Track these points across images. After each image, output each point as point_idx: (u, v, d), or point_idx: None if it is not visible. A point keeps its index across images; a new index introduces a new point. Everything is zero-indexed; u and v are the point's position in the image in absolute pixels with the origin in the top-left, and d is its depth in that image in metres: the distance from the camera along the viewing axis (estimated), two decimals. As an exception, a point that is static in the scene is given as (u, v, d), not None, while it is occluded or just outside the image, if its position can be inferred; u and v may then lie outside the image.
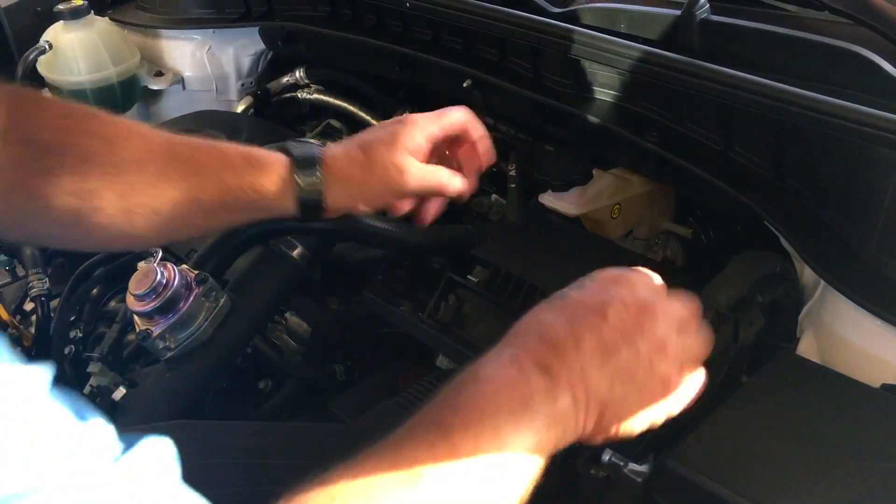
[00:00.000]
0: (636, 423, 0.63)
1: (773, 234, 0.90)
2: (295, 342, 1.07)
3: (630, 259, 1.04)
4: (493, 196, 1.32)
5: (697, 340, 0.65)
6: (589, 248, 1.05)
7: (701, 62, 0.91)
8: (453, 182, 0.86)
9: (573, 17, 1.05)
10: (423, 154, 0.85)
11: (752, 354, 0.85)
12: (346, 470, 0.52)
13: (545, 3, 1.07)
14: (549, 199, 1.08)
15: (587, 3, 1.07)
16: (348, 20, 1.41)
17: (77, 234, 0.77)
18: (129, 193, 0.77)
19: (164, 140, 0.81)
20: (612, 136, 1.04)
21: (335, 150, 0.83)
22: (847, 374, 0.79)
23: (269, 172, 0.80)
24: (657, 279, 0.67)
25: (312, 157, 0.81)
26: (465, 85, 1.23)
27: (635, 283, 0.65)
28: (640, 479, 0.74)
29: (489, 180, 1.30)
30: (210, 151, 0.81)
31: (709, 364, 0.66)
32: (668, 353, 0.62)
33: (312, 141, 0.86)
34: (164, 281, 0.90)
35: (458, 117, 0.89)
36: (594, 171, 1.07)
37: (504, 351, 0.61)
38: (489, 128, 1.25)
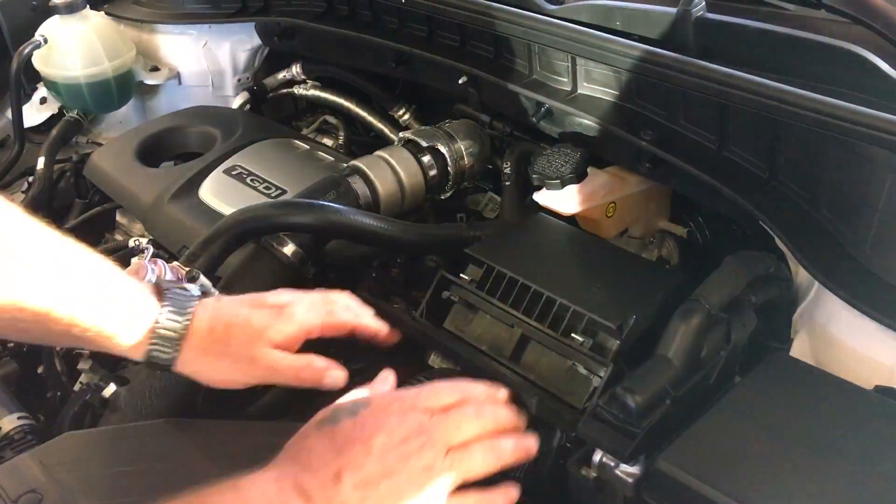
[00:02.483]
0: None
1: (768, 234, 0.89)
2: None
3: (624, 258, 1.04)
4: (489, 193, 1.32)
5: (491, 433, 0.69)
6: (583, 247, 1.04)
7: (696, 60, 0.90)
8: (329, 375, 0.81)
9: (569, 14, 1.04)
10: (295, 344, 0.81)
11: (746, 355, 0.84)
12: None
13: (541, 0, 1.06)
14: (543, 198, 1.07)
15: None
16: (344, 16, 1.40)
17: None
18: None
19: (33, 235, 0.74)
20: (607, 135, 1.04)
21: (202, 322, 0.79)
22: (840, 375, 0.78)
23: (127, 321, 0.76)
24: (437, 393, 0.70)
25: (175, 328, 0.77)
26: (460, 82, 1.22)
27: (406, 411, 0.68)
28: (631, 480, 0.73)
29: (485, 178, 1.30)
30: (78, 271, 0.75)
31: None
32: (437, 474, 0.65)
33: (189, 289, 0.81)
34: (154, 278, 0.90)
35: (343, 317, 0.85)
36: (589, 170, 1.06)
37: (269, 470, 0.64)
38: (485, 125, 1.26)
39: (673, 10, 0.95)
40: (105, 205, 1.38)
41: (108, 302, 0.75)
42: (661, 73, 0.93)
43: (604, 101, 1.05)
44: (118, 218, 1.39)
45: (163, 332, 0.77)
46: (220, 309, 0.81)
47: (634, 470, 0.73)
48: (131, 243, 1.12)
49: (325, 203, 1.01)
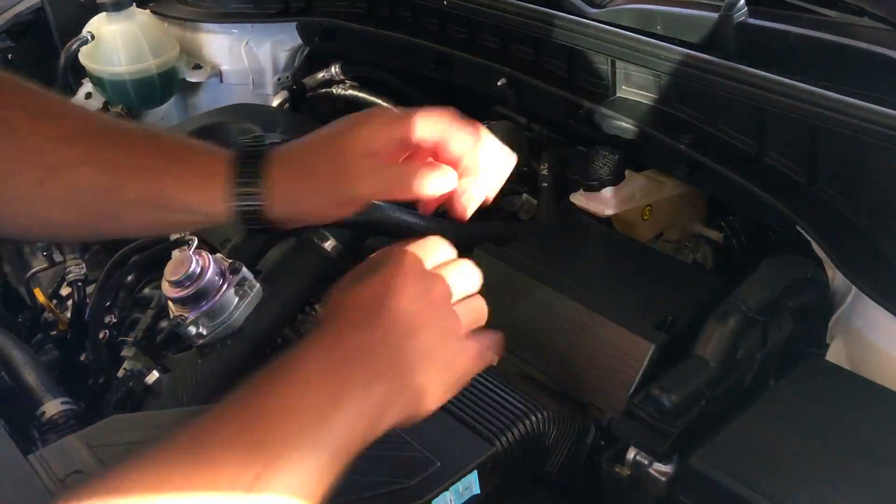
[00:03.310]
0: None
1: (805, 240, 0.89)
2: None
3: (659, 261, 1.04)
4: (525, 195, 1.33)
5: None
6: (619, 248, 1.05)
7: (737, 65, 0.91)
8: (428, 183, 0.71)
9: (610, 18, 1.05)
10: (386, 154, 0.72)
11: (781, 359, 0.84)
12: (136, 463, 0.53)
13: (581, 4, 1.07)
14: (580, 199, 1.08)
15: (624, 3, 1.07)
16: (385, 17, 1.42)
17: None
18: (47, 180, 0.70)
19: (96, 121, 0.75)
20: (645, 138, 1.04)
21: (283, 152, 0.74)
22: (877, 380, 0.78)
23: (205, 173, 0.72)
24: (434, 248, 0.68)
25: (254, 162, 0.72)
26: (498, 84, 1.23)
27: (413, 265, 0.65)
28: (664, 479, 0.74)
29: (520, 179, 1.31)
30: (146, 140, 0.74)
31: None
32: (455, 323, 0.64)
33: (272, 136, 0.78)
34: (199, 269, 0.92)
35: (428, 130, 0.73)
36: (626, 173, 1.07)
37: (314, 341, 0.61)
38: (522, 127, 1.27)
39: (714, 14, 0.96)
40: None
41: (184, 160, 0.74)
42: (701, 78, 0.94)
43: (643, 104, 1.05)
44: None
45: (242, 180, 0.71)
46: (300, 141, 0.75)
47: (668, 469, 0.74)
48: (174, 235, 1.15)
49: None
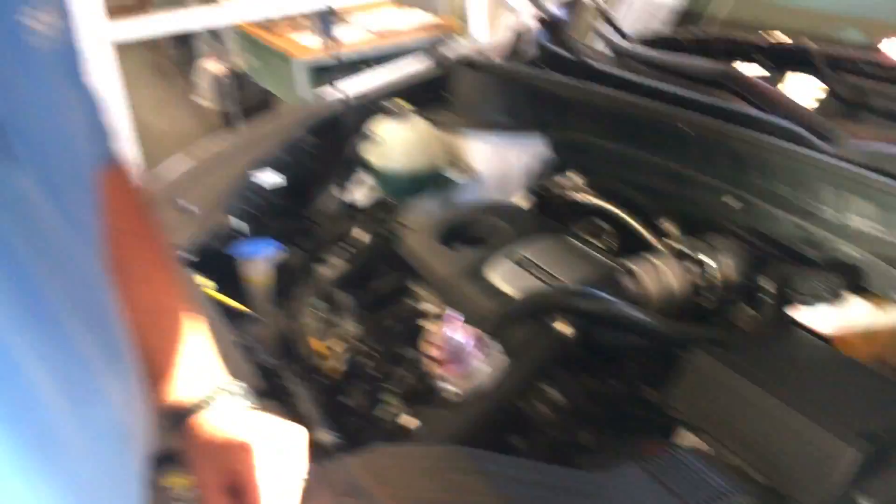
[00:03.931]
0: None
1: None
2: (549, 408, 1.23)
3: (876, 380, 1.10)
4: (745, 307, 1.42)
5: None
6: (836, 365, 1.12)
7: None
8: None
9: (847, 156, 1.15)
10: None
11: None
12: None
13: (817, 140, 1.18)
14: (801, 316, 1.16)
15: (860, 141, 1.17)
16: (628, 135, 1.60)
17: None
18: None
19: (174, 301, 0.98)
20: (870, 265, 1.12)
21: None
22: None
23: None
24: None
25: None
26: (724, 200, 1.36)
27: None
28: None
29: (743, 293, 1.41)
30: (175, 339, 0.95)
31: None
32: None
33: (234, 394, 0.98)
34: (462, 339, 1.11)
35: None
36: (849, 295, 1.15)
37: None
38: (747, 243, 1.37)
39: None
40: (405, 273, 1.66)
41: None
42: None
43: (870, 234, 1.13)
44: (413, 286, 1.65)
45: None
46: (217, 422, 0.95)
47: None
48: (427, 307, 1.37)
49: (604, 294, 1.18)
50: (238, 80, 5.23)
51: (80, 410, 0.73)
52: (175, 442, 0.98)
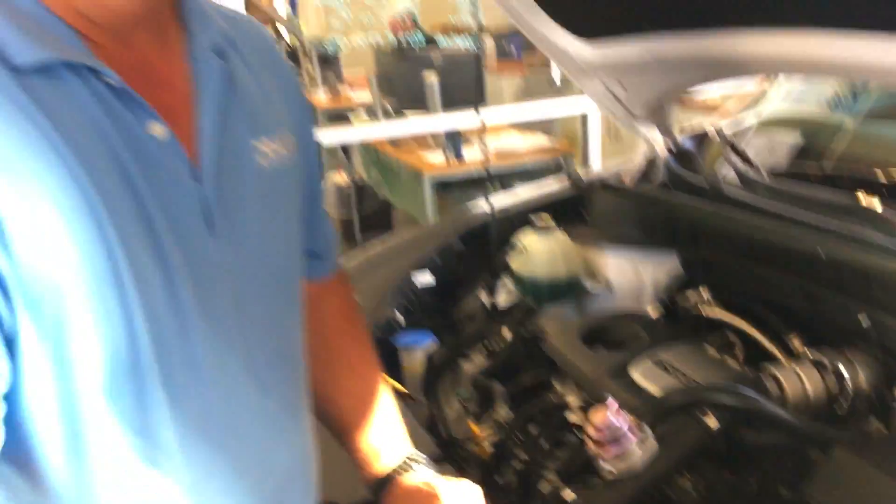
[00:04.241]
0: None
1: None
2: (692, 495, 1.36)
3: None
4: (873, 420, 1.52)
5: None
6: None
7: None
8: None
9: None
10: None
11: None
12: None
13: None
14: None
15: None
16: (761, 257, 1.75)
17: None
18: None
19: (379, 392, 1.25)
20: None
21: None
22: None
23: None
24: None
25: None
26: (860, 318, 1.48)
27: None
28: None
29: (874, 406, 1.51)
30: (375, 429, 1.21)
31: None
32: None
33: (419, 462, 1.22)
34: (620, 424, 1.27)
35: None
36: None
37: None
38: (879, 358, 1.49)
39: None
40: (547, 370, 1.82)
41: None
42: None
43: None
44: (554, 381, 1.81)
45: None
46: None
47: None
48: (571, 399, 1.53)
49: (753, 393, 1.32)
50: (360, 191, 5.63)
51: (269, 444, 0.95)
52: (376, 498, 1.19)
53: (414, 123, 4.27)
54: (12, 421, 0.78)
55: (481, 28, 6.85)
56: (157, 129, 0.85)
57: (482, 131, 2.12)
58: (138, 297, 0.80)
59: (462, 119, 4.03)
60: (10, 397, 0.77)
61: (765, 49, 1.37)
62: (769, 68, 1.79)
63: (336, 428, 1.22)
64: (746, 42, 1.42)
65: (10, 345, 0.75)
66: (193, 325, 0.85)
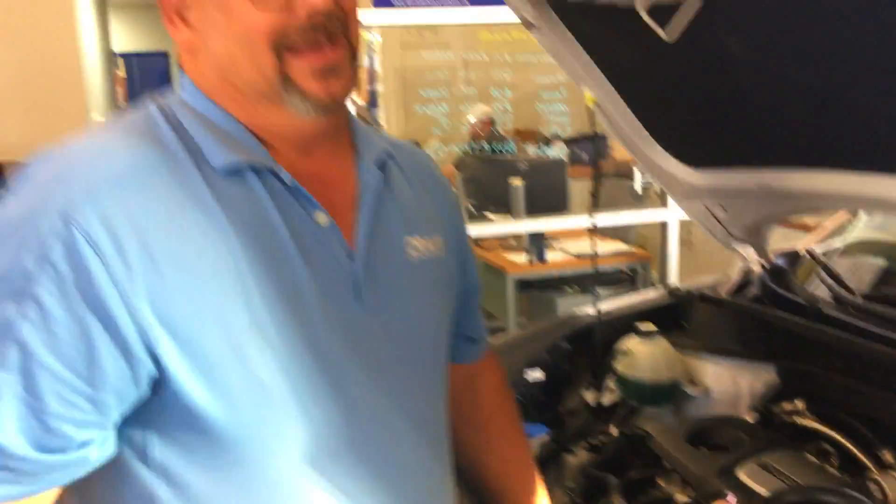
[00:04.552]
0: None
1: None
2: None
3: None
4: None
5: None
6: None
7: None
8: None
9: None
10: None
11: None
12: None
13: None
14: None
15: None
16: (854, 373, 1.89)
17: None
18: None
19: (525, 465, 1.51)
20: None
21: None
22: None
23: None
24: None
25: None
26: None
27: None
28: None
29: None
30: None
31: None
32: None
33: None
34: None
35: None
36: None
37: None
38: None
39: None
40: (652, 467, 1.97)
41: None
42: None
43: None
44: (658, 479, 1.95)
45: None
46: None
47: None
48: (679, 497, 1.67)
49: (859, 495, 1.46)
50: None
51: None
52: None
53: (510, 226, 4.54)
54: None
55: (564, 139, 7.22)
56: (322, 218, 1.07)
57: (592, 233, 2.34)
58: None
59: (550, 223, 4.27)
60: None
61: (871, 190, 1.56)
62: (874, 207, 1.97)
63: (490, 491, 1.41)
64: (852, 182, 1.61)
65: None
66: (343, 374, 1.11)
